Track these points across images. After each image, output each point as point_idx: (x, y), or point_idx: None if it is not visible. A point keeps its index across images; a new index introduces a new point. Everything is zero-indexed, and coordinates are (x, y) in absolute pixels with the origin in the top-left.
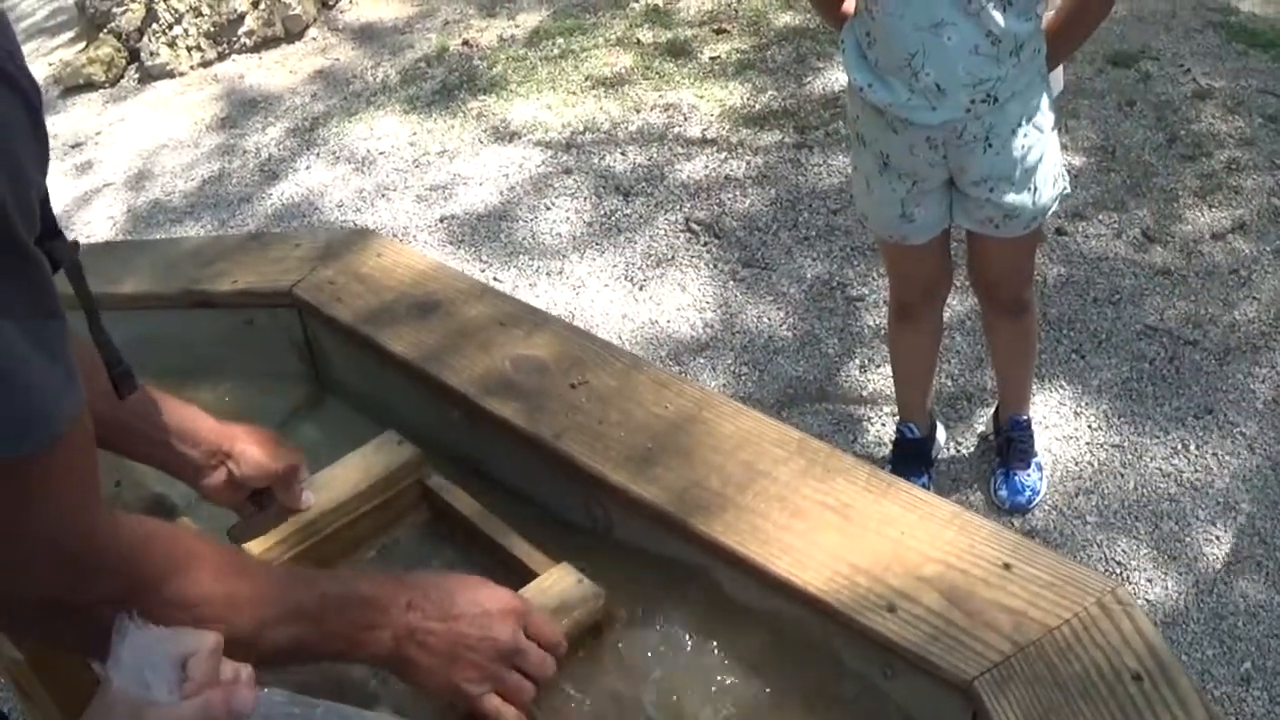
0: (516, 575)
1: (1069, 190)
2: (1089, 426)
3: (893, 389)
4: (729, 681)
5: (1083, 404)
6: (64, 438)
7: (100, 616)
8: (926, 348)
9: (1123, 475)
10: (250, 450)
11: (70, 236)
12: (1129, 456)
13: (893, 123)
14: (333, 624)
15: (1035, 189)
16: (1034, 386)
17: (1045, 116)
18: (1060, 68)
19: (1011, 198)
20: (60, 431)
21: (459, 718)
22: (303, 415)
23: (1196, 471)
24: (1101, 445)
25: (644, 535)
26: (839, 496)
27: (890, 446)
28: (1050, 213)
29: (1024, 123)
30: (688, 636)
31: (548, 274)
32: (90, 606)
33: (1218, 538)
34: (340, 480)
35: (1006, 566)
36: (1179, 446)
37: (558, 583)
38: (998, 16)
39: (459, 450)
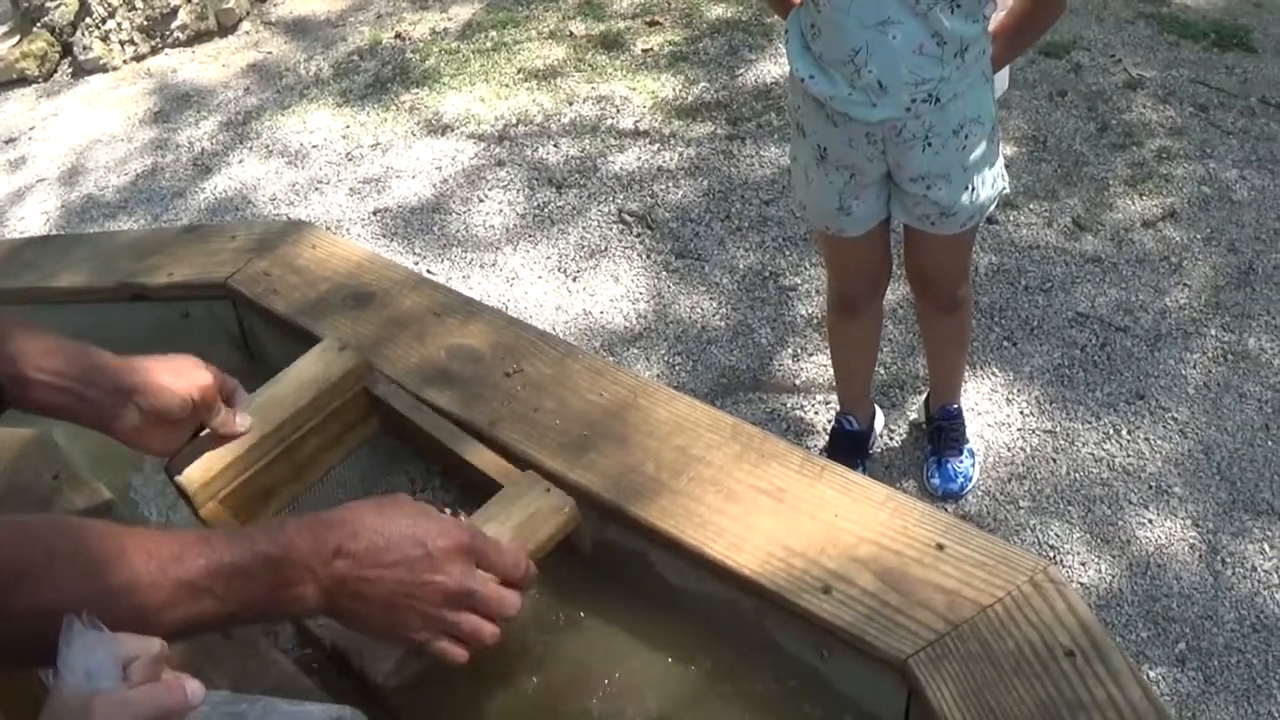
0: (477, 485)
1: (1008, 190)
2: (1021, 413)
3: (826, 378)
4: (665, 665)
5: (1015, 391)
6: None
7: None
8: (867, 341)
9: (1055, 460)
10: (155, 378)
11: (4, 232)
12: (1061, 442)
13: (832, 115)
14: (238, 593)
15: (973, 188)
16: (966, 374)
17: (987, 117)
18: (1005, 68)
19: (948, 196)
20: None
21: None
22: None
23: (1128, 456)
24: (1034, 431)
25: (581, 521)
26: (773, 480)
27: (826, 436)
28: (987, 212)
29: (965, 123)
30: (624, 621)
31: (481, 266)
32: None
33: (1150, 521)
34: (280, 397)
35: (940, 547)
36: (1111, 431)
37: (522, 494)
38: (944, 18)
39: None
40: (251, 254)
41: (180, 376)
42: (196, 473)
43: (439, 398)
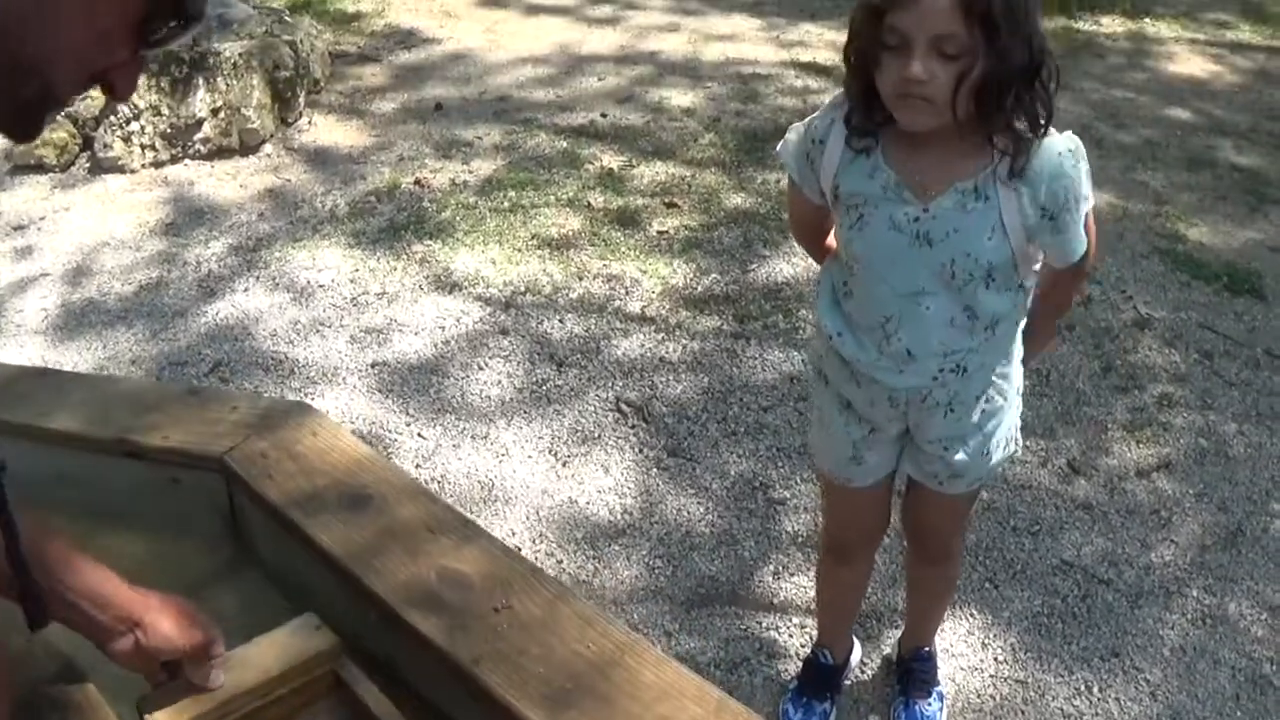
0: None
1: (1020, 453)
2: (995, 659)
3: (804, 599)
4: None
5: (991, 635)
6: None
7: None
8: (856, 585)
9: (1024, 713)
10: (160, 622)
11: (1, 323)
12: (1031, 693)
13: (856, 375)
14: None
15: (988, 453)
16: (945, 611)
17: (1011, 383)
18: None
19: (963, 458)
20: None
21: None
22: (220, 581)
23: (1097, 715)
24: (1006, 679)
25: None
26: None
27: (798, 661)
28: (995, 474)
29: (987, 390)
30: None
31: (473, 437)
32: None
33: None
34: (255, 661)
35: None
36: (1082, 687)
37: None
38: (980, 293)
39: (374, 647)
40: (251, 430)
41: (179, 628)
42: (165, 714)
43: (424, 623)
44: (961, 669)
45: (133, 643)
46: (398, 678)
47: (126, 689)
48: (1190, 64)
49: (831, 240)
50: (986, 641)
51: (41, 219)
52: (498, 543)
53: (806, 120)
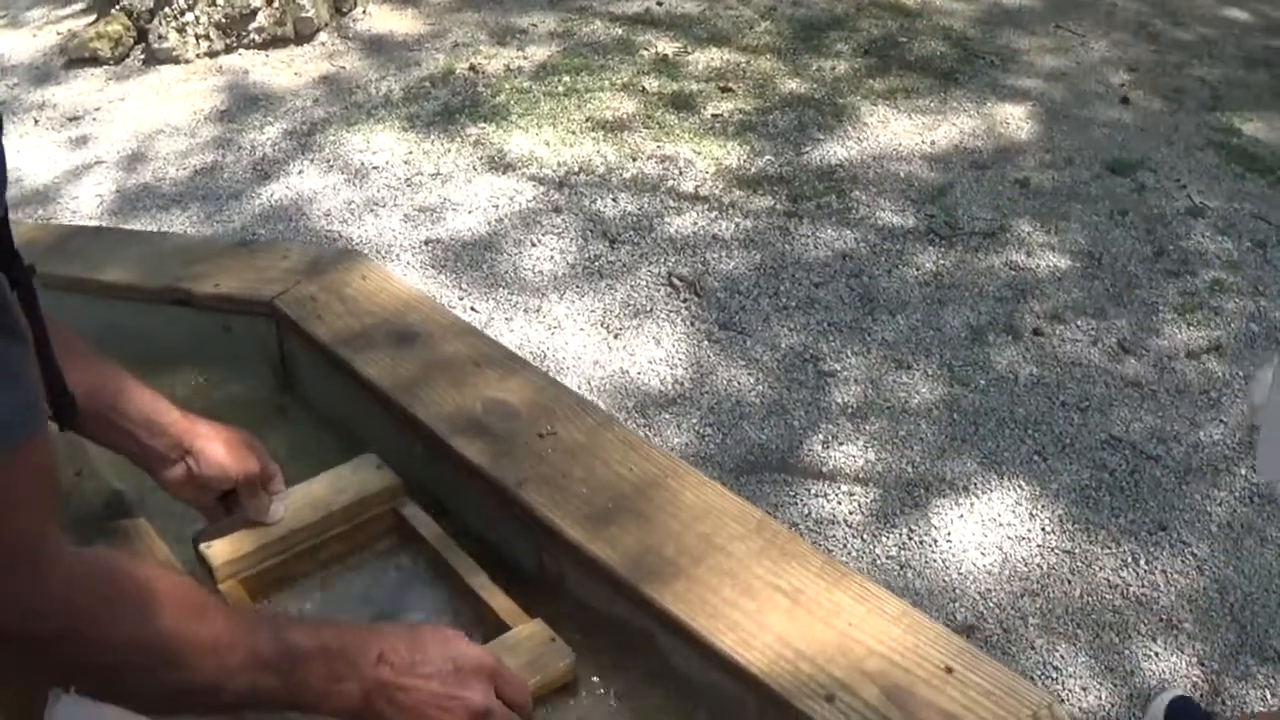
0: (486, 623)
1: None
2: (1042, 529)
3: (853, 468)
4: None
5: (1039, 506)
6: (19, 453)
7: (59, 655)
8: None
9: (1070, 581)
10: (212, 448)
11: (56, 209)
12: (1078, 564)
13: None
14: (299, 675)
15: None
16: (994, 482)
17: None
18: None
19: None
20: (14, 443)
21: None
22: (268, 425)
23: (1143, 586)
24: (1053, 549)
25: (593, 592)
26: (791, 580)
27: (844, 526)
28: None
29: None
30: (623, 699)
31: (525, 310)
32: (45, 643)
33: (1156, 654)
34: (315, 498)
35: (948, 670)
36: (1129, 559)
37: (530, 639)
38: None
39: (418, 480)
40: (301, 276)
41: (233, 455)
42: (223, 550)
43: (468, 449)
44: (1009, 538)
45: (185, 470)
46: (441, 508)
47: (177, 528)
48: None
49: None
50: (1034, 512)
51: (96, 110)
52: (543, 374)
53: None
